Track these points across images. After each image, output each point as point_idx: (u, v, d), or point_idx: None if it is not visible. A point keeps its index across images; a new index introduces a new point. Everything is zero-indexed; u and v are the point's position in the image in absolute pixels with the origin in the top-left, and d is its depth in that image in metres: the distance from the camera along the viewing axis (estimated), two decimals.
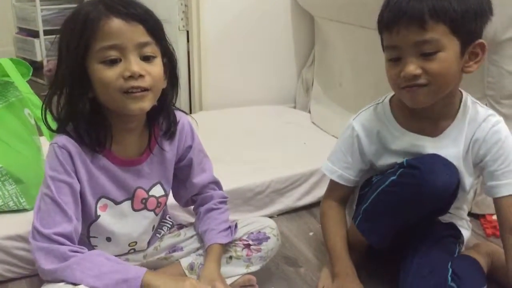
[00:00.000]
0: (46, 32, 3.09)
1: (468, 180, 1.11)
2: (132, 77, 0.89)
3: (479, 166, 1.11)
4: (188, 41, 2.14)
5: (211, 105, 2.17)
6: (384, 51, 1.05)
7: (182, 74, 2.17)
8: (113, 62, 0.89)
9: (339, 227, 1.18)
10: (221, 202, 1.16)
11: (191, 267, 1.11)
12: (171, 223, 1.19)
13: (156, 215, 1.10)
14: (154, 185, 1.07)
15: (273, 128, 1.97)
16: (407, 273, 1.06)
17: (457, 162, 1.08)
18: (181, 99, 2.21)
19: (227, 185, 1.35)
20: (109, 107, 0.94)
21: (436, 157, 1.05)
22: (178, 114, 1.08)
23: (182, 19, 2.11)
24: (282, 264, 1.27)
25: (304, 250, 1.34)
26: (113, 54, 0.89)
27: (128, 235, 1.06)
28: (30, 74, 1.32)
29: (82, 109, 0.92)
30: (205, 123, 1.94)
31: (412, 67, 0.98)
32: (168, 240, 1.15)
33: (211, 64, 2.14)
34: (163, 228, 1.16)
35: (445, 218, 1.17)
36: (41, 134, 1.28)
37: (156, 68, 0.93)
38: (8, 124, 1.28)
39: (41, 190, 0.95)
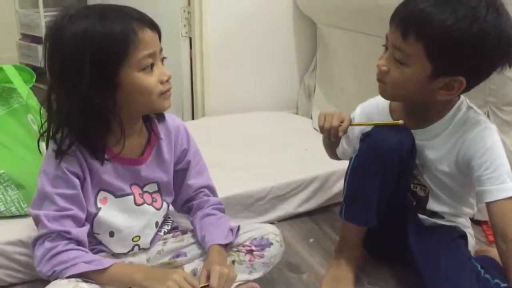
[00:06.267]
0: None
1: (461, 180, 1.11)
2: (167, 80, 1.00)
3: (469, 170, 1.09)
4: (190, 47, 2.14)
5: (214, 111, 2.18)
6: None
7: (184, 80, 2.19)
8: (150, 68, 0.97)
9: None
10: (216, 209, 1.17)
11: (194, 273, 1.11)
12: (171, 222, 1.20)
13: (157, 209, 1.11)
14: (148, 183, 1.10)
15: (274, 134, 1.96)
16: (438, 278, 1.05)
17: (449, 160, 1.10)
18: (184, 105, 2.21)
19: (228, 191, 1.35)
20: (136, 110, 1.01)
21: (387, 128, 1.11)
22: (172, 117, 1.14)
23: (184, 25, 2.12)
24: (285, 270, 1.27)
25: (306, 256, 1.34)
26: (150, 61, 0.97)
27: (130, 228, 1.08)
28: (33, 80, 1.32)
29: (107, 115, 0.96)
30: (208, 129, 1.96)
31: (382, 62, 1.05)
32: (172, 244, 1.15)
33: (213, 70, 2.14)
34: (164, 227, 1.17)
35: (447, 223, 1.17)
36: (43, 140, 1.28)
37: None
38: (11, 130, 1.28)
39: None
